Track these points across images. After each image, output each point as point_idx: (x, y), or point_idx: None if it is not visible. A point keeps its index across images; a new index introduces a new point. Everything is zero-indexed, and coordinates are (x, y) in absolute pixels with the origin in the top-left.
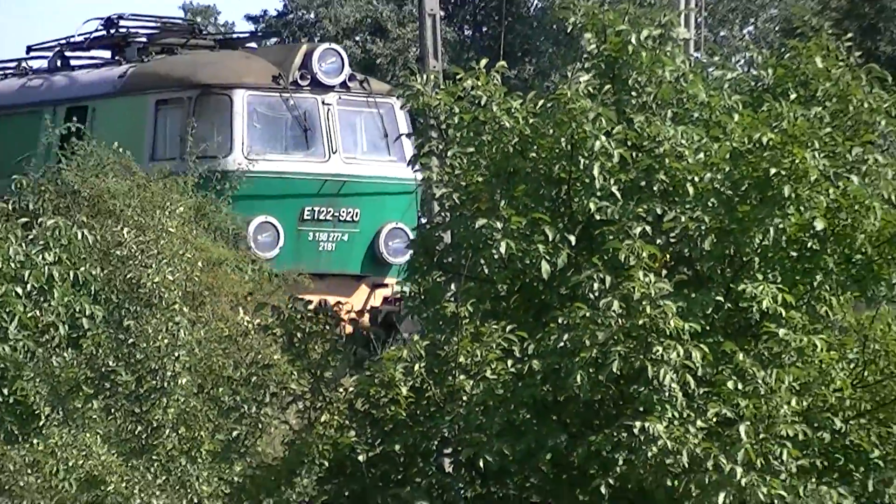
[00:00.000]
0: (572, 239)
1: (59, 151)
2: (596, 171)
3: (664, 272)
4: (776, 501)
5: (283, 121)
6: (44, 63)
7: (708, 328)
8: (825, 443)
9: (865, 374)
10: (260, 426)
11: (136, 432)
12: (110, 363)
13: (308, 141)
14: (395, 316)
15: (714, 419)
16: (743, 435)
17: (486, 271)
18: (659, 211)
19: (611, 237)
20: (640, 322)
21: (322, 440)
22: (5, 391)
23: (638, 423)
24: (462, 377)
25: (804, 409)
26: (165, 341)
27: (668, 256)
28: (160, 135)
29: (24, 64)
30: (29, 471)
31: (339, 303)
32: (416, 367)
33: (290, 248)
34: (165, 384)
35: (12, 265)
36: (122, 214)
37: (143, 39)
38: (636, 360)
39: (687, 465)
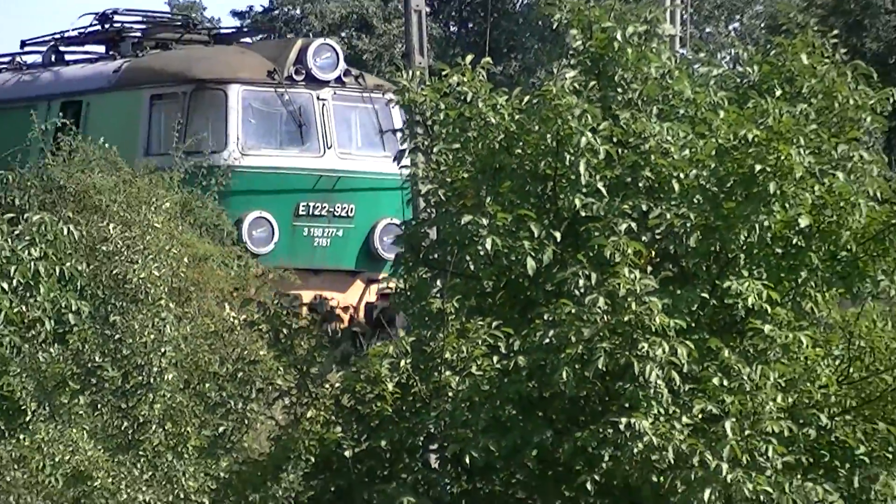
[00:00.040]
0: (558, 235)
1: (52, 146)
2: (582, 168)
3: (650, 269)
4: (762, 498)
5: (277, 116)
6: (38, 58)
7: (693, 325)
8: (811, 439)
9: (851, 370)
10: (246, 422)
11: (123, 428)
12: (96, 359)
13: (303, 136)
14: (385, 311)
15: (700, 415)
16: (728, 431)
17: (472, 268)
18: (644, 207)
19: (596, 234)
20: (626, 318)
21: (308, 436)
22: None
23: (623, 420)
24: (448, 373)
25: (790, 405)
26: (152, 337)
27: (653, 253)
28: (154, 130)
29: (18, 58)
30: (15, 466)
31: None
32: (402, 363)
33: (285, 243)
34: (152, 380)
35: None
36: (108, 210)
37: (138, 34)
38: (622, 356)
39: (672, 462)
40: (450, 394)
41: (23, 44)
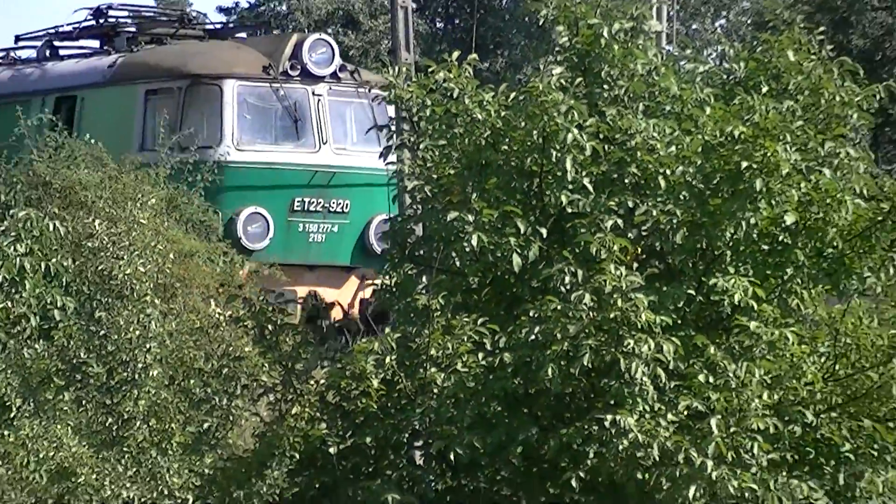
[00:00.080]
0: (544, 232)
1: (39, 142)
2: (568, 164)
3: (636, 265)
4: (747, 494)
5: (273, 111)
6: (32, 53)
7: (679, 321)
8: (796, 436)
9: (836, 367)
10: (231, 418)
11: (107, 424)
12: (82, 355)
13: (298, 131)
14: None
15: (685, 412)
16: (714, 428)
17: (458, 264)
18: (631, 204)
19: (582, 230)
20: (612, 315)
21: (293, 432)
22: None
23: (609, 417)
24: (433, 370)
25: (775, 402)
26: (137, 333)
27: (639, 250)
28: (150, 125)
29: (12, 53)
30: (0, 462)
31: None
32: (388, 359)
33: (280, 239)
34: (136, 376)
35: None
36: (93, 206)
37: (132, 29)
38: (607, 353)
39: (658, 459)
40: (435, 390)
41: (17, 39)
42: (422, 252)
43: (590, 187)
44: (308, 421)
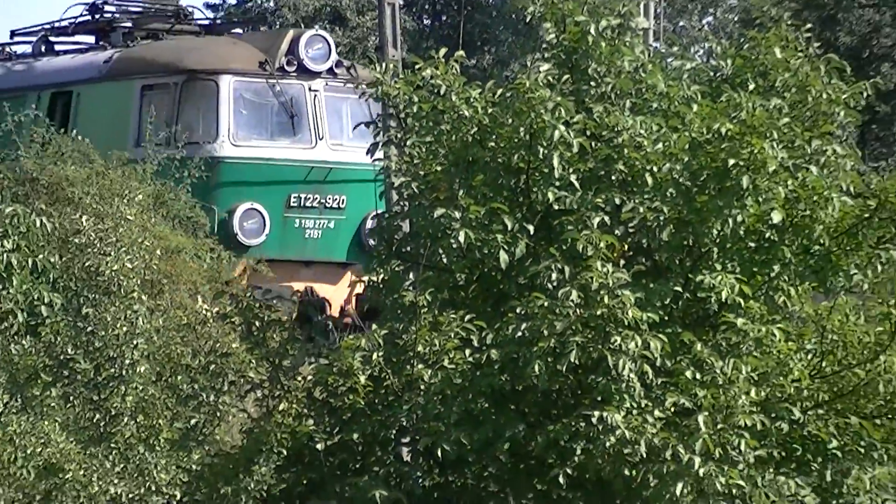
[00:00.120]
0: (531, 229)
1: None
2: (555, 161)
3: (622, 262)
4: (734, 491)
5: (269, 107)
6: (28, 48)
7: (666, 318)
8: (783, 433)
9: (823, 364)
10: (218, 414)
11: (95, 420)
12: (69, 351)
13: (294, 127)
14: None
15: (672, 409)
16: (701, 425)
17: (445, 260)
18: (618, 201)
19: (569, 227)
20: (599, 312)
21: (280, 429)
22: None
23: (596, 413)
24: (420, 366)
25: (762, 399)
26: (124, 329)
27: (626, 246)
28: (146, 120)
29: (7, 49)
30: None
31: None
32: (375, 355)
33: (276, 235)
34: (124, 372)
35: None
36: (80, 202)
37: (128, 24)
38: (594, 350)
39: (645, 455)
40: (422, 387)
41: (12, 34)
42: (409, 249)
43: (577, 184)
44: (295, 417)
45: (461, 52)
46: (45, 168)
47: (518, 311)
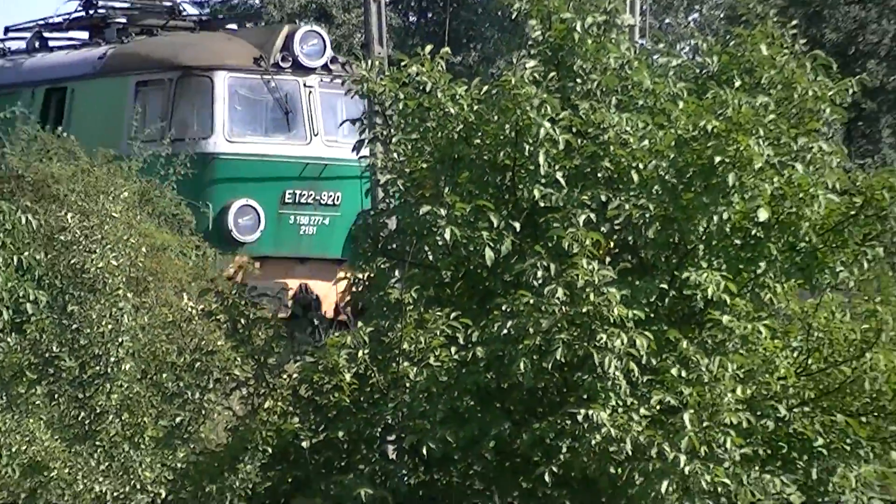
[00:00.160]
0: (517, 226)
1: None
2: (541, 158)
3: (608, 260)
4: (719, 489)
5: (264, 103)
6: (22, 44)
7: (652, 316)
8: (769, 431)
9: (809, 362)
10: (203, 412)
11: (80, 418)
12: (54, 348)
13: (289, 124)
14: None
15: (658, 407)
16: (687, 423)
17: (431, 258)
18: (603, 198)
19: (555, 224)
20: (584, 309)
21: (265, 426)
22: None
23: (582, 411)
24: (406, 364)
25: (748, 397)
26: (109, 327)
27: (612, 244)
28: (140, 116)
29: (1, 45)
30: None
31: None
32: (360, 353)
33: (271, 231)
34: (109, 370)
35: None
36: (66, 199)
37: (123, 20)
38: (580, 347)
39: (630, 453)
40: (408, 384)
41: (6, 30)
42: (395, 246)
43: (562, 181)
44: (281, 415)
45: (447, 49)
46: (30, 165)
47: (504, 308)
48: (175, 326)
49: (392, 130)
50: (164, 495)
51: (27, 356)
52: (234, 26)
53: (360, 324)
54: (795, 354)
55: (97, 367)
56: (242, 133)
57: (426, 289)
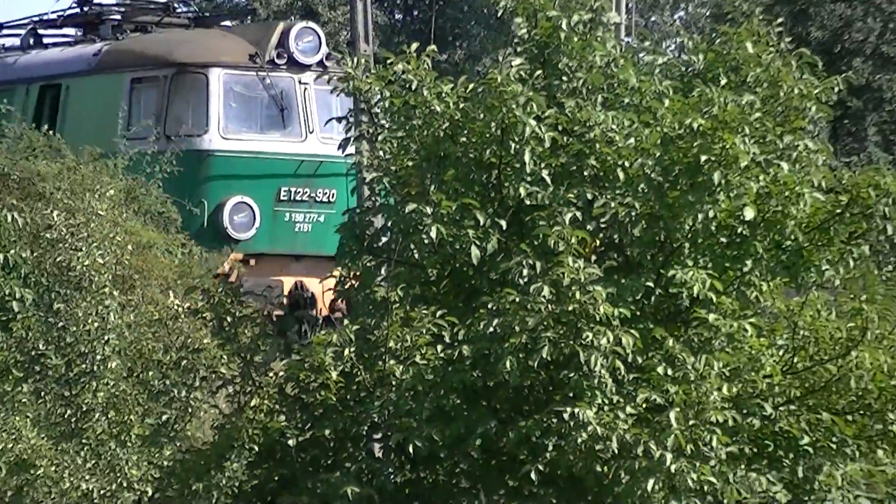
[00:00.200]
0: (503, 224)
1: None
2: (526, 156)
3: (594, 258)
4: (705, 487)
5: (259, 100)
6: (16, 41)
7: (638, 314)
8: (755, 429)
9: (795, 360)
10: (190, 410)
11: (66, 416)
12: (40, 346)
13: (285, 120)
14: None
15: (644, 405)
16: (673, 421)
17: (417, 256)
18: (589, 196)
19: (541, 223)
20: (570, 308)
21: (252, 425)
22: None
23: (568, 409)
24: (392, 362)
25: (734, 395)
26: (95, 325)
27: (598, 242)
28: (135, 113)
29: None
30: None
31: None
32: (346, 351)
33: (267, 228)
34: (95, 368)
35: None
36: (52, 197)
37: (117, 17)
38: (566, 345)
39: (616, 451)
40: (394, 383)
41: (0, 27)
42: (380, 244)
43: (548, 179)
44: (267, 413)
45: (433, 47)
46: (16, 163)
47: (490, 306)
48: (161, 324)
49: (378, 128)
50: (150, 493)
51: (13, 354)
52: (228, 23)
53: (346, 322)
54: (781, 353)
55: (83, 365)
56: (237, 130)
57: (412, 287)
